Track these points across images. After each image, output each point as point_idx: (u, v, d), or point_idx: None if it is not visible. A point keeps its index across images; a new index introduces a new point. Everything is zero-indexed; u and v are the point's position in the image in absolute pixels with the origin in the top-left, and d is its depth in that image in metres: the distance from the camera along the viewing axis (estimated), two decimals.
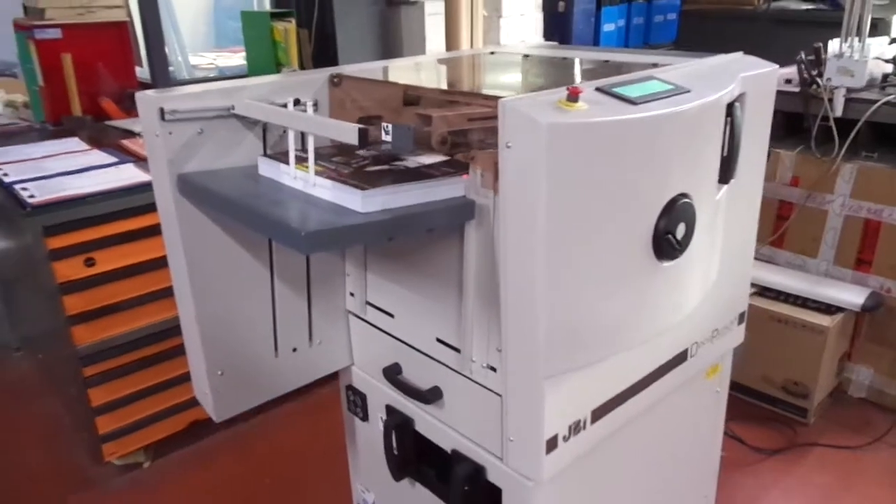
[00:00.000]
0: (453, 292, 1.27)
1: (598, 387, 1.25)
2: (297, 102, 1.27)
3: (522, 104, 1.00)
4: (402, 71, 1.59)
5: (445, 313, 1.31)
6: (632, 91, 1.12)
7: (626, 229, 1.11)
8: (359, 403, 1.61)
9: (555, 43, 2.60)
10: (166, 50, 3.17)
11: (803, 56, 2.38)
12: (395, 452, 1.51)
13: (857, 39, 2.28)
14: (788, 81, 2.54)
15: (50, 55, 2.74)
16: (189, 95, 1.23)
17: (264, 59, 3.00)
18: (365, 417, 1.62)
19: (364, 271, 1.48)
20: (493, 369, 1.24)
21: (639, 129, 1.06)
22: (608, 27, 3.87)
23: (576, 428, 1.23)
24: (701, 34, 4.66)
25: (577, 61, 1.63)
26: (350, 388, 1.63)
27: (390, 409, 1.51)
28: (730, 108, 1.26)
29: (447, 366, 1.33)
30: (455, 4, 2.92)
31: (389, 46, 3.26)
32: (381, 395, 1.54)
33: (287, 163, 1.16)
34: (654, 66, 1.36)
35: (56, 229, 1.90)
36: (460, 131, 1.30)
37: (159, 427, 2.23)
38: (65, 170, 2.15)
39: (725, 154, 1.29)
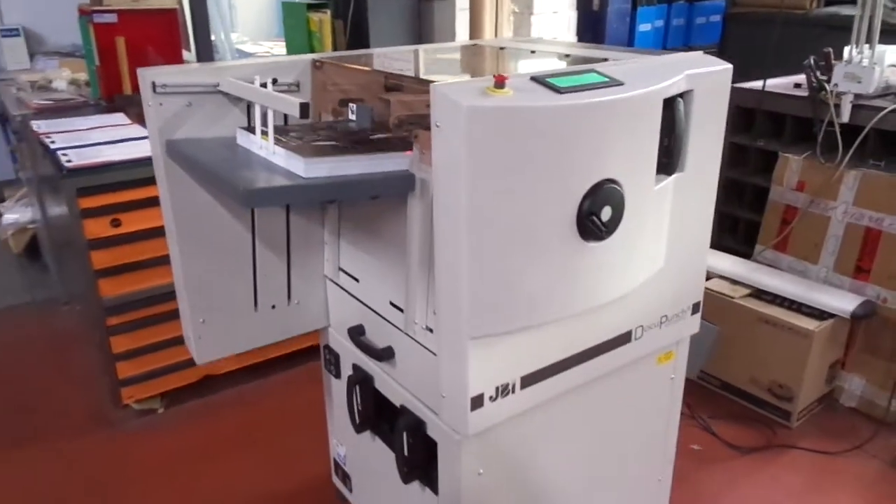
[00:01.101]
0: (404, 260, 1.40)
1: (528, 355, 1.35)
2: (274, 82, 1.42)
3: (450, 89, 1.12)
4: (389, 59, 1.72)
5: (397, 279, 1.44)
6: (563, 81, 1.22)
7: (547, 208, 1.21)
8: (333, 362, 1.76)
9: (545, 38, 2.63)
10: (212, 36, 3.39)
11: (812, 61, 2.39)
12: (358, 408, 1.66)
13: (867, 45, 2.28)
14: (798, 86, 2.56)
15: (106, 38, 2.99)
16: (178, 71, 1.40)
17: (300, 47, 3.18)
18: (338, 375, 1.77)
19: (338, 239, 1.63)
20: (431, 330, 1.37)
21: (558, 115, 1.16)
22: (644, 27, 3.90)
23: (503, 390, 1.33)
24: (747, 38, 4.62)
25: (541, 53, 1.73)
26: (326, 347, 1.79)
27: (355, 367, 1.66)
28: (670, 102, 1.34)
29: (397, 327, 1.47)
30: (479, 0, 3.03)
31: (420, 39, 3.40)
32: (349, 355, 1.68)
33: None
34: (605, 60, 1.45)
35: (87, 191, 2.12)
36: (421, 115, 1.42)
37: (174, 378, 2.44)
38: (104, 140, 2.38)
39: (667, 146, 1.38)
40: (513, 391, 1.35)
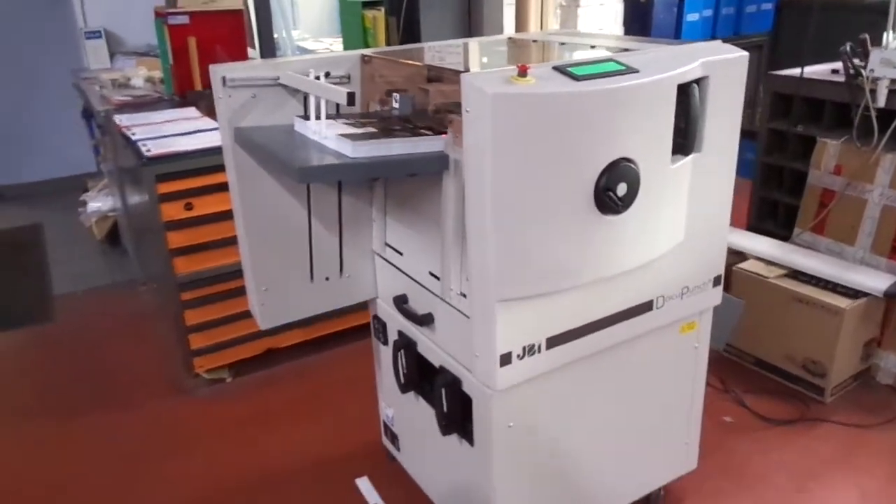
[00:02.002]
0: (441, 233, 1.56)
1: (553, 318, 1.49)
2: (327, 75, 1.60)
3: (478, 78, 1.28)
4: (434, 52, 1.88)
5: (436, 251, 1.60)
6: (582, 70, 1.35)
7: (566, 184, 1.35)
8: (380, 330, 1.94)
9: (584, 31, 2.68)
10: (275, 34, 3.62)
11: (849, 47, 2.44)
12: (403, 370, 1.83)
13: None
14: (835, 72, 2.60)
15: (179, 38, 3.25)
16: (244, 67, 1.59)
17: (355, 43, 3.38)
18: (385, 342, 1.94)
19: (384, 216, 1.80)
20: (465, 296, 1.53)
21: (575, 100, 1.30)
22: (692, 17, 3.94)
23: (530, 350, 1.48)
24: (801, 26, 4.59)
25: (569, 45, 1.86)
26: (375, 317, 1.96)
27: (400, 334, 1.83)
28: (685, 88, 1.46)
29: (436, 294, 1.63)
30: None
31: (470, 33, 3.55)
32: (395, 322, 1.86)
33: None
34: (626, 50, 1.58)
35: (164, 177, 2.36)
36: (456, 102, 1.57)
37: (241, 349, 2.68)
38: (178, 131, 2.63)
39: (682, 128, 1.50)
40: (539, 351, 1.50)
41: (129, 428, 2.48)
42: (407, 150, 1.40)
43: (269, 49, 3.44)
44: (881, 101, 2.38)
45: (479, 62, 1.85)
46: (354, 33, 3.39)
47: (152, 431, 2.46)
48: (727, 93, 1.57)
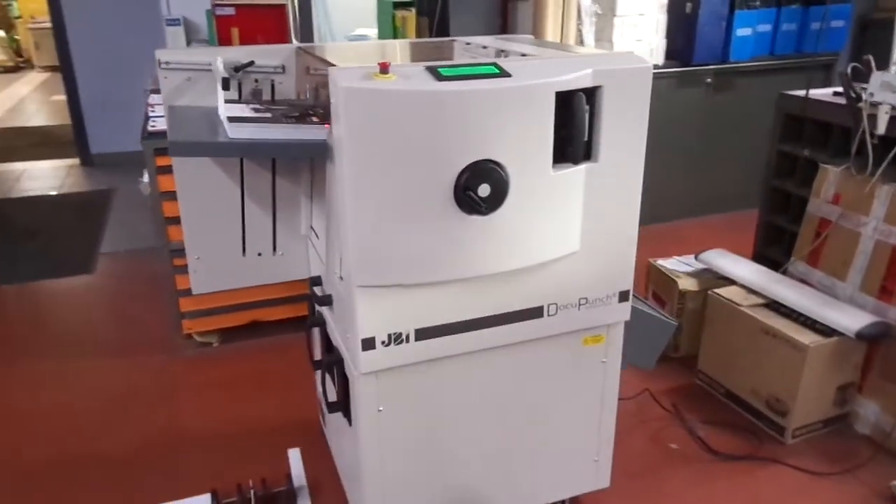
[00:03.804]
0: None
1: (422, 311, 1.53)
2: (250, 64, 1.72)
3: (340, 72, 1.35)
4: (353, 50, 1.95)
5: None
6: (451, 71, 1.39)
7: (424, 180, 1.39)
8: (311, 309, 2.04)
9: (522, 36, 2.51)
10: (314, 28, 3.81)
11: (850, 68, 2.28)
12: (314, 348, 1.93)
13: None
14: (838, 94, 2.43)
15: (224, 28, 3.49)
16: (180, 52, 1.74)
17: (388, 37, 3.50)
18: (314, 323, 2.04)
19: (311, 202, 1.90)
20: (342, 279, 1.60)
21: (431, 98, 1.34)
22: (743, 32, 3.75)
23: (397, 339, 1.53)
24: (883, 45, 4.27)
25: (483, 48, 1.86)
26: (308, 297, 2.07)
27: (317, 313, 1.92)
28: (567, 96, 1.46)
29: (329, 277, 1.71)
30: (542, 1, 3.14)
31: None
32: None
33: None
34: (524, 55, 1.59)
35: (161, 151, 2.56)
36: None
37: (227, 318, 2.86)
38: None
39: (567, 136, 1.49)
40: (407, 341, 1.54)
41: (118, 373, 2.72)
42: (289, 135, 1.49)
43: (308, 42, 3.63)
44: (881, 128, 2.22)
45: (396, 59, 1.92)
46: (386, 31, 3.51)
47: (136, 380, 2.69)
48: (626, 104, 1.54)
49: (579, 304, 1.69)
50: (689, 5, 3.70)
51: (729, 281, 2.56)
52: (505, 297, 1.60)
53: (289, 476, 2.11)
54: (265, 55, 1.79)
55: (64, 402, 2.56)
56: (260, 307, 2.87)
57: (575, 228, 1.60)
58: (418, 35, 3.51)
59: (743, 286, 2.48)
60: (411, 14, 3.43)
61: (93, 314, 3.23)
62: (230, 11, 3.52)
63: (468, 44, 2.04)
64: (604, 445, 1.92)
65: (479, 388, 1.70)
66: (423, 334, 1.55)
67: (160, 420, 2.46)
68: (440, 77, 1.37)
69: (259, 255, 1.96)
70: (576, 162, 1.53)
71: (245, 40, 3.53)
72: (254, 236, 1.94)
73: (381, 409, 1.61)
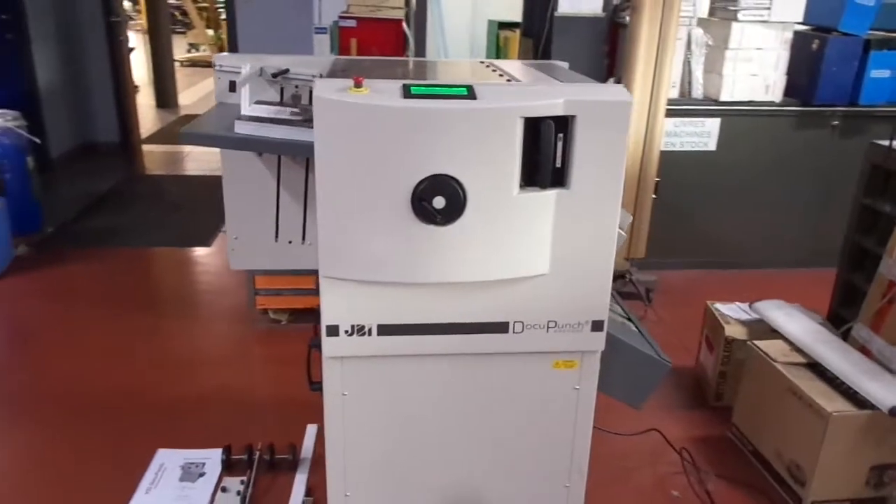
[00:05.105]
0: None
1: (384, 309, 1.64)
2: (286, 72, 1.93)
3: (321, 84, 1.51)
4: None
5: None
6: (421, 90, 1.51)
7: (383, 188, 1.51)
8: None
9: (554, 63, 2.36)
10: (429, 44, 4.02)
11: None
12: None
13: None
14: None
15: (345, 39, 3.81)
16: (233, 57, 1.99)
17: (492, 56, 3.63)
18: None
19: None
20: None
21: (393, 114, 1.46)
22: (879, 73, 3.42)
23: (360, 330, 1.66)
24: None
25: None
26: None
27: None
28: (535, 122, 1.51)
29: None
30: (637, 27, 3.09)
31: (608, 61, 3.57)
32: None
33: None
34: (510, 80, 1.65)
35: None
36: None
37: (295, 299, 3.14)
38: None
39: (534, 162, 1.54)
40: (369, 334, 1.67)
41: (198, 335, 3.10)
42: (288, 136, 1.68)
43: (421, 52, 3.85)
44: None
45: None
46: (491, 50, 3.65)
47: (211, 343, 3.04)
48: (602, 136, 1.55)
49: (548, 327, 1.72)
50: (815, 42, 3.46)
51: (780, 334, 2.40)
52: (468, 307, 1.67)
53: (294, 447, 2.31)
54: (304, 64, 2.00)
55: (146, 354, 2.96)
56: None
57: (543, 251, 1.63)
58: (521, 56, 3.60)
59: (788, 341, 2.32)
60: (514, 35, 3.54)
61: (195, 281, 3.68)
62: (352, 24, 3.83)
63: (487, 66, 2.12)
64: (576, 473, 1.91)
65: (444, 392, 1.78)
66: (385, 330, 1.67)
67: (216, 380, 2.77)
68: (409, 94, 1.49)
69: (290, 242, 2.18)
70: (544, 187, 1.58)
71: (361, 51, 3.83)
72: (286, 225, 2.15)
73: (345, 393, 1.75)
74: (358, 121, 1.47)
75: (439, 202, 1.51)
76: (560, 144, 1.55)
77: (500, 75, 1.80)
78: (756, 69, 3.50)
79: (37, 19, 5.14)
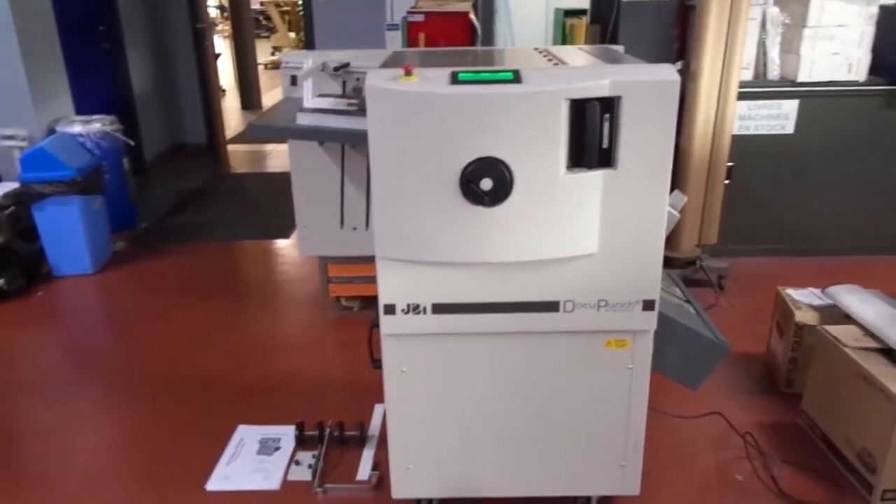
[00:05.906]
0: None
1: (439, 288, 1.72)
2: (346, 65, 2.03)
3: (375, 73, 1.60)
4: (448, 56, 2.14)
5: None
6: (469, 76, 1.57)
7: (433, 171, 1.58)
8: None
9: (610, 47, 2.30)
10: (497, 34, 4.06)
11: None
12: None
13: None
14: None
15: (414, 33, 3.91)
16: (298, 55, 2.11)
17: (559, 43, 3.64)
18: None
19: None
20: None
21: (442, 99, 1.53)
22: None
23: (415, 309, 1.74)
24: None
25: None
26: None
27: None
28: (581, 104, 1.54)
29: None
30: (706, 8, 3.02)
31: (677, 45, 3.51)
32: None
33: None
34: (558, 63, 1.68)
35: None
36: None
37: (366, 287, 3.25)
38: None
39: (581, 142, 1.57)
40: (424, 312, 1.75)
41: (274, 320, 3.27)
42: (346, 125, 1.78)
43: (489, 43, 3.90)
44: None
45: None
46: (558, 37, 3.65)
47: (285, 329, 3.21)
48: (649, 115, 1.57)
49: (598, 306, 1.74)
50: None
51: (853, 320, 2.32)
52: (519, 286, 1.72)
53: (362, 425, 2.42)
54: (365, 58, 2.10)
55: (230, 339, 3.15)
56: None
57: (591, 231, 1.66)
58: (588, 42, 3.58)
59: (861, 327, 2.24)
60: (580, 22, 3.53)
61: (274, 272, 3.87)
62: (420, 18, 3.92)
63: (541, 52, 2.15)
64: (632, 451, 1.92)
65: (498, 370, 1.83)
66: (439, 309, 1.74)
67: (292, 363, 2.92)
68: (456, 81, 1.55)
69: (354, 229, 2.29)
70: (591, 167, 1.60)
71: (429, 44, 3.91)
72: (350, 212, 2.27)
73: (404, 369, 1.83)
74: (407, 107, 1.55)
75: (486, 184, 1.57)
76: (606, 125, 1.58)
77: (549, 59, 1.83)
78: (838, 47, 3.36)
79: (130, 29, 5.51)
